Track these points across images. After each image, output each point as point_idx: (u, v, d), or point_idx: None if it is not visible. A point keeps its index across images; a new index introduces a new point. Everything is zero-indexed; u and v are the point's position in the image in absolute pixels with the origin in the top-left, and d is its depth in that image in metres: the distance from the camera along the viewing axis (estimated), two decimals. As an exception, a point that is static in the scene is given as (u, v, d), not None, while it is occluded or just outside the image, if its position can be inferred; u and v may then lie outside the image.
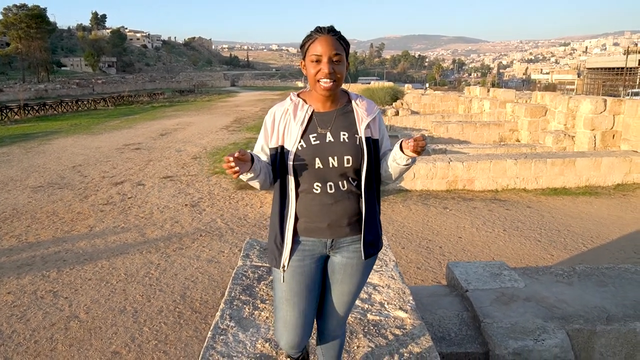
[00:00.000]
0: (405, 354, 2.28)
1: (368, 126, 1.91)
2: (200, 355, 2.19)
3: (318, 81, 1.82)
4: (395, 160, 1.84)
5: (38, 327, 4.41)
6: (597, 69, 60.22)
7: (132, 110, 31.65)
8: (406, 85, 38.43)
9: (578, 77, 75.21)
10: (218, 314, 2.57)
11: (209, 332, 2.38)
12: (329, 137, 1.87)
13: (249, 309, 2.73)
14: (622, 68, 49.41)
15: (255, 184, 1.85)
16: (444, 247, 6.36)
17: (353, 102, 1.95)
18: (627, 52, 49.88)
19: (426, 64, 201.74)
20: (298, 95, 1.97)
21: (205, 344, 2.28)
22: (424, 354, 2.26)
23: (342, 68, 1.84)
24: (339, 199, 1.88)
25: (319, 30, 1.84)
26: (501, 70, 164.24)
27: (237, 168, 1.67)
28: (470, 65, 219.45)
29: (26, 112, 27.31)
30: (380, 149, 1.95)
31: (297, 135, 1.86)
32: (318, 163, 1.85)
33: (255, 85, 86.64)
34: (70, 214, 7.96)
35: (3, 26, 61.85)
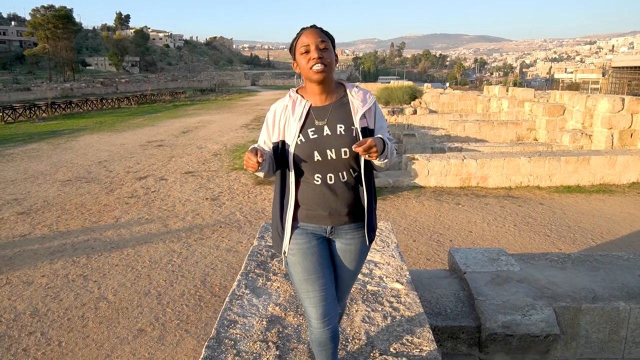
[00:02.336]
0: (397, 317, 2.55)
1: (363, 116, 1.98)
2: (219, 315, 2.49)
3: (311, 68, 1.92)
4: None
5: (70, 307, 4.77)
6: (623, 67, 59.05)
7: (154, 109, 32.35)
8: (425, 84, 38.37)
9: (603, 76, 73.86)
10: (235, 283, 2.89)
11: (227, 298, 2.69)
12: (327, 131, 1.95)
13: (262, 280, 3.03)
14: (649, 67, 48.36)
15: (260, 174, 1.97)
16: (454, 241, 6.56)
17: (349, 93, 2.03)
18: (653, 51, 48.84)
19: (447, 63, 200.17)
20: (297, 92, 2.06)
21: (223, 306, 2.59)
22: (413, 317, 2.53)
23: (330, 54, 1.94)
24: (339, 190, 1.97)
25: (302, 28, 1.99)
26: (524, 70, 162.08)
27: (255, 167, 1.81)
28: (492, 65, 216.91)
29: (53, 110, 28.21)
30: None
31: (296, 130, 1.95)
32: (317, 156, 1.93)
33: (275, 84, 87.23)
34: (97, 206, 8.38)
35: (31, 27, 63.53)
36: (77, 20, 73.53)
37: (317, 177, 1.96)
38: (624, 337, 2.95)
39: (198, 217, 7.68)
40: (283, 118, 2.00)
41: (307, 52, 1.92)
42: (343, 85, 2.07)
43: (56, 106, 28.89)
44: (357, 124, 1.95)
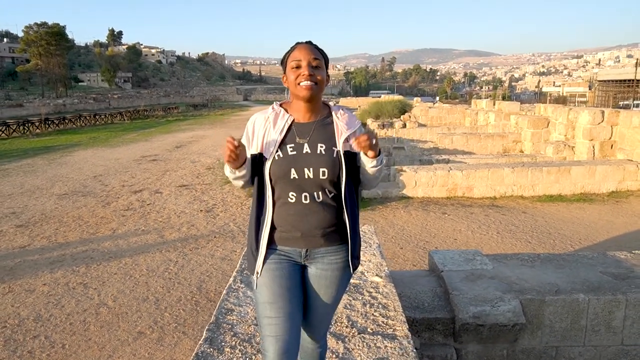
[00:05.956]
0: (375, 304, 2.85)
1: (347, 140, 1.91)
2: (217, 305, 2.77)
3: (299, 84, 1.86)
4: (363, 164, 1.90)
5: (72, 312, 4.99)
6: (608, 81, 60.37)
7: (147, 124, 32.61)
8: (415, 98, 39.03)
9: (589, 89, 75.36)
10: (230, 279, 3.17)
11: (224, 291, 2.98)
12: (306, 148, 1.89)
13: (255, 277, 3.29)
14: (633, 80, 49.57)
15: (240, 182, 1.94)
16: (439, 248, 6.84)
17: (334, 114, 1.97)
18: (637, 64, 50.03)
19: (437, 77, 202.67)
20: (280, 106, 2.01)
21: (221, 298, 2.87)
22: (389, 304, 2.82)
23: (322, 73, 1.89)
24: (314, 210, 1.90)
25: (297, 43, 1.94)
26: (513, 83, 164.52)
27: (234, 155, 1.75)
28: (482, 79, 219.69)
29: (47, 125, 28.42)
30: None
31: (275, 144, 1.89)
32: (293, 173, 1.87)
33: (267, 99, 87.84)
34: (94, 218, 8.60)
35: (24, 43, 64.03)
36: (70, 36, 73.95)
37: (292, 195, 1.90)
38: (584, 326, 3.24)
39: (193, 228, 7.92)
40: (262, 130, 1.93)
41: (299, 67, 1.87)
42: (328, 106, 2.02)
43: (49, 122, 29.11)
44: (341, 147, 1.90)
